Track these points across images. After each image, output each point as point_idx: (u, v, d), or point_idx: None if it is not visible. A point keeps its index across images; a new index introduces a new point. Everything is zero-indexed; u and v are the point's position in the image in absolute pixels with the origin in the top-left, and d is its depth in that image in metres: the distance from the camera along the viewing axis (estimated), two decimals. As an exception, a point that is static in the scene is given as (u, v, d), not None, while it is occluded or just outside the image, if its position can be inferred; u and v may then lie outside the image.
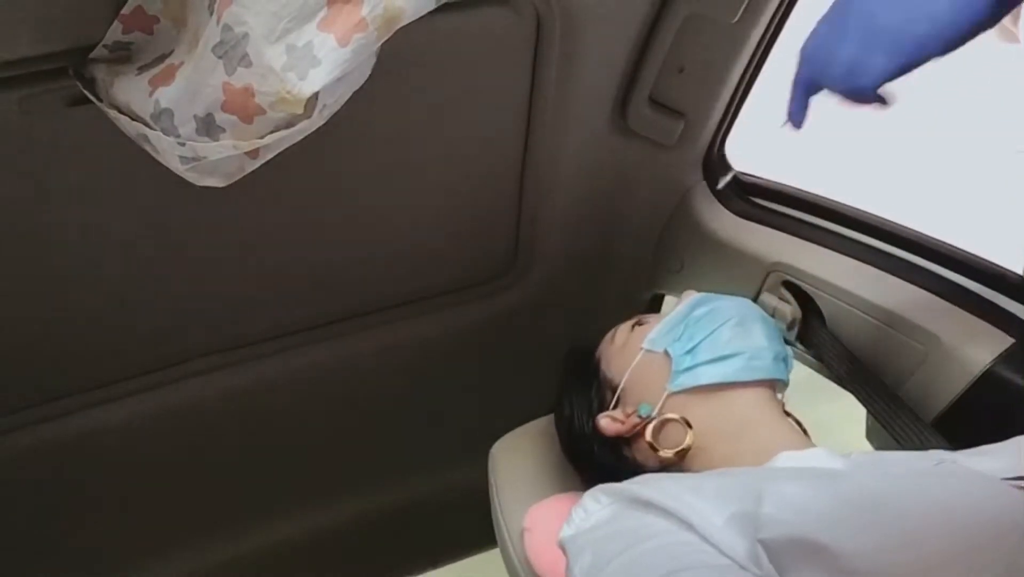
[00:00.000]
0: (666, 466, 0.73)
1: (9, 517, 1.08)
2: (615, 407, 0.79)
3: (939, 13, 0.58)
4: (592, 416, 0.80)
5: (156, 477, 1.15)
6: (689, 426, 0.72)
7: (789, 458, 0.66)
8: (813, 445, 0.70)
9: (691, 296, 0.81)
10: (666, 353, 0.76)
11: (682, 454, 0.72)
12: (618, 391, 0.78)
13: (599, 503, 0.65)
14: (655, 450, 0.73)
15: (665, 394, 0.74)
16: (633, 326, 0.82)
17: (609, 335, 0.85)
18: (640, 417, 0.74)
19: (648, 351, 0.77)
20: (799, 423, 0.76)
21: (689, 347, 0.74)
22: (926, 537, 0.49)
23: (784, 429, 0.72)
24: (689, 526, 0.55)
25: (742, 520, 0.53)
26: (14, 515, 1.09)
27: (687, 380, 0.73)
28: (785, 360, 0.76)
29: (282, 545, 1.36)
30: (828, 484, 0.55)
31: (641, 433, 0.74)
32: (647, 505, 0.59)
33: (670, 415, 0.73)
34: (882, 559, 0.48)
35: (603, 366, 0.82)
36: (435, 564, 1.61)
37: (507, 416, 0.98)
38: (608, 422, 0.77)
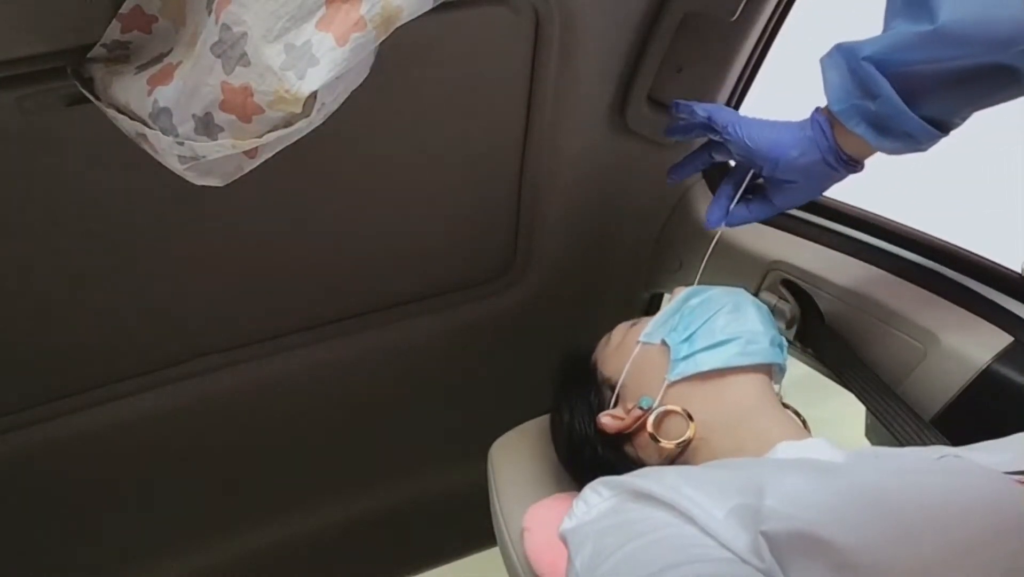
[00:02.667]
0: (668, 460, 0.73)
1: (10, 516, 1.08)
2: (615, 405, 0.79)
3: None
4: (593, 418, 0.80)
5: (155, 477, 1.15)
6: (690, 418, 0.72)
7: (788, 448, 0.66)
8: (812, 436, 0.70)
9: (682, 290, 0.81)
10: (663, 343, 0.76)
11: (683, 445, 0.72)
12: (617, 388, 0.78)
13: (600, 495, 0.65)
14: (657, 441, 0.73)
15: (665, 384, 0.74)
16: (628, 328, 0.83)
17: (604, 339, 0.85)
18: (641, 409, 0.74)
19: (645, 344, 0.78)
20: (798, 414, 0.76)
21: (686, 335, 0.75)
22: (928, 532, 0.49)
23: (783, 419, 0.72)
24: (690, 519, 0.55)
25: (743, 513, 0.53)
26: (15, 514, 1.09)
27: (686, 368, 0.73)
28: (781, 346, 0.76)
29: (282, 545, 1.36)
30: (830, 478, 0.55)
31: (643, 427, 0.74)
32: (648, 498, 0.59)
33: (671, 406, 0.73)
34: (884, 554, 0.48)
35: (600, 367, 0.82)
36: (435, 564, 1.61)
37: (507, 416, 0.98)
38: (610, 420, 0.77)
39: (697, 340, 0.74)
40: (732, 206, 0.80)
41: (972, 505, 0.50)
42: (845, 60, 0.66)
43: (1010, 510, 0.49)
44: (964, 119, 0.67)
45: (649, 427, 0.74)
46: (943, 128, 0.66)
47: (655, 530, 0.56)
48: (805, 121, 0.72)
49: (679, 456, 0.73)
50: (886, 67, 0.64)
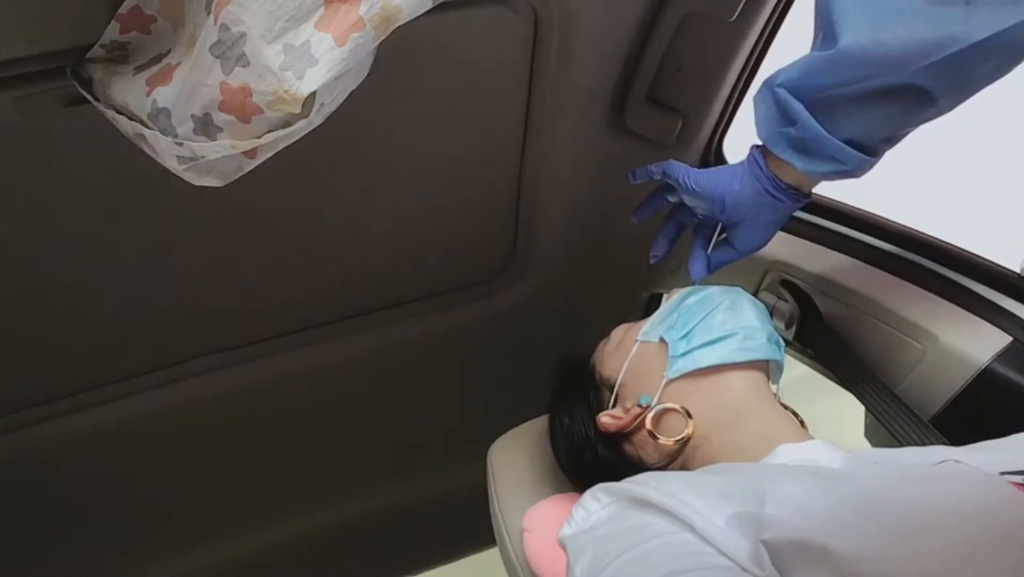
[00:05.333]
0: (668, 458, 0.74)
1: (10, 516, 1.08)
2: (614, 406, 0.79)
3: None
4: (592, 419, 0.80)
5: (154, 477, 1.15)
6: (689, 416, 0.72)
7: (788, 451, 0.66)
8: (811, 437, 0.70)
9: (679, 289, 0.82)
10: (661, 341, 0.76)
11: (683, 443, 0.72)
12: (616, 388, 0.78)
13: (599, 502, 0.65)
14: (656, 439, 0.73)
15: (663, 382, 0.74)
16: (626, 329, 0.83)
17: (601, 343, 0.85)
18: (640, 407, 0.75)
19: (643, 342, 0.78)
20: (796, 414, 0.76)
21: (684, 332, 0.75)
22: (929, 540, 0.48)
23: (781, 418, 0.72)
24: (689, 526, 0.55)
25: (744, 520, 0.53)
26: (15, 514, 1.09)
27: (684, 365, 0.73)
28: (778, 343, 0.77)
29: (281, 545, 1.36)
30: (832, 485, 0.55)
31: (642, 425, 0.75)
32: (647, 505, 0.59)
33: (670, 404, 0.73)
34: (885, 562, 0.47)
35: (599, 368, 0.82)
36: (435, 564, 1.61)
37: (507, 416, 0.98)
38: (609, 419, 0.77)
39: (695, 337, 0.74)
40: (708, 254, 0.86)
41: (973, 512, 0.50)
42: (769, 90, 0.69)
43: (1011, 516, 0.49)
44: (891, 142, 0.69)
45: (648, 424, 0.74)
46: (868, 152, 0.69)
47: (654, 537, 0.55)
48: (744, 159, 0.77)
49: (679, 454, 0.73)
50: (802, 92, 0.67)
